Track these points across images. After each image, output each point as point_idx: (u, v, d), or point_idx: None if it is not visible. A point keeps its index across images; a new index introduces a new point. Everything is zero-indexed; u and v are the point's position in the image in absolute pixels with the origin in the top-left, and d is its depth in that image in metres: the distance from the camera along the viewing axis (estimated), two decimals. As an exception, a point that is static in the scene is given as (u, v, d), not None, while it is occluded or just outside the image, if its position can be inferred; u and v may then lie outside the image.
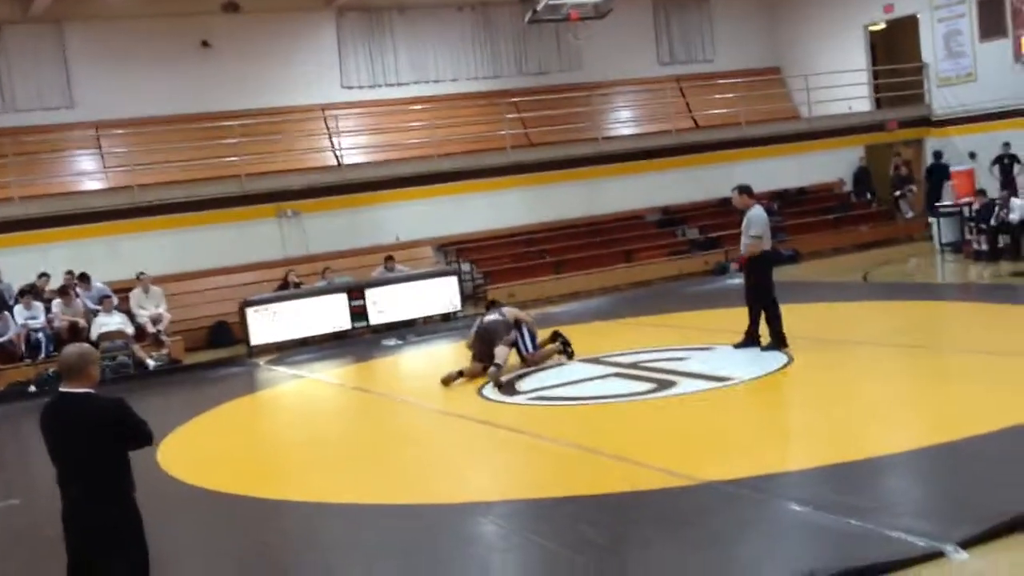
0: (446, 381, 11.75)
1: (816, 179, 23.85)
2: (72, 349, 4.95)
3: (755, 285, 11.34)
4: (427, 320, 17.82)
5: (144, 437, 4.90)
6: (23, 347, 15.84)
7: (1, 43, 19.61)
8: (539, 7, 20.67)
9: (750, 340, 11.49)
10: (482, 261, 20.41)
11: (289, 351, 16.43)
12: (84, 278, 16.92)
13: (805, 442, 8.34)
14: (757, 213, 11.36)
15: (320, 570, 6.58)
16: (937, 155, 22.28)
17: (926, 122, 23.64)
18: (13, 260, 17.08)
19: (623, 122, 24.53)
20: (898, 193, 22.97)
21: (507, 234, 21.05)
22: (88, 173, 19.98)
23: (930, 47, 23.31)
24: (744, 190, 11.61)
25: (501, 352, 11.68)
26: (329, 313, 17.13)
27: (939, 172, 21.95)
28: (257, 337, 16.62)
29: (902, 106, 24.13)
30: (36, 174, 18.87)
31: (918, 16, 23.43)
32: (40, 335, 15.90)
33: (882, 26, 24.62)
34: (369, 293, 17.39)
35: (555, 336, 12.50)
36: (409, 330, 17.24)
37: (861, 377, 10.20)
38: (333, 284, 17.77)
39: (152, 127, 19.99)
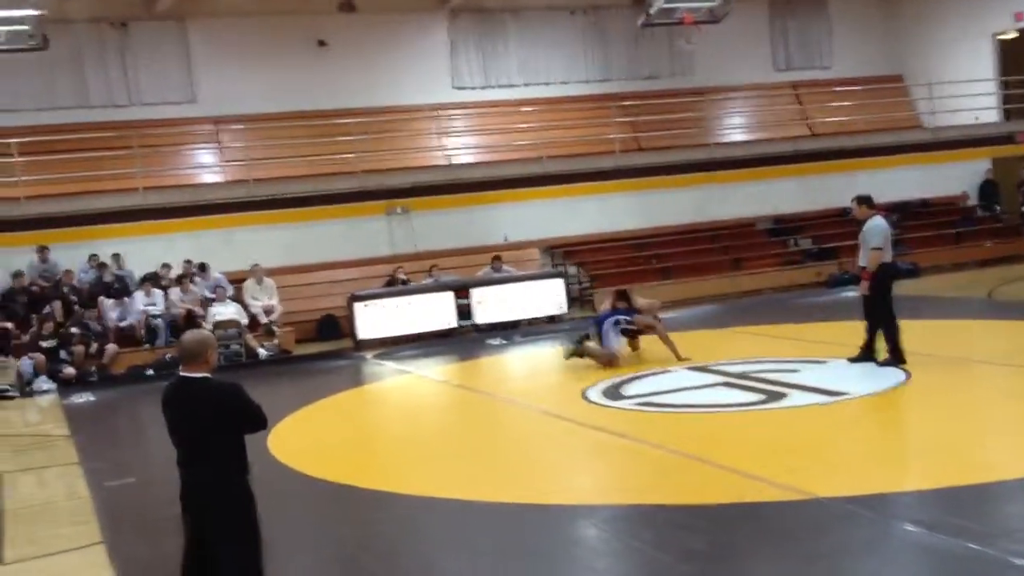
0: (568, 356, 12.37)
1: (939, 191, 23.08)
2: (192, 335, 5.08)
3: (874, 298, 10.99)
4: (532, 321, 17.80)
5: (260, 421, 5.00)
6: (143, 332, 16.36)
7: (127, 39, 20.28)
8: (652, 11, 20.53)
9: (866, 354, 11.14)
10: (589, 264, 20.31)
11: (395, 346, 16.59)
12: (203, 267, 17.41)
13: (921, 462, 8.04)
14: (877, 223, 11.02)
15: (423, 564, 6.60)
16: None
17: (1057, 134, 22.71)
18: (135, 248, 17.67)
19: (736, 128, 24.16)
20: (1026, 208, 22.10)
21: (615, 238, 20.91)
22: (207, 166, 20.56)
23: (1063, 57, 22.39)
24: (864, 200, 11.27)
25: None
26: (435, 311, 17.25)
27: None
28: (364, 331, 16.84)
29: (1032, 118, 23.23)
30: (158, 166, 19.47)
31: (1051, 25, 22.52)
32: (159, 321, 16.41)
33: (1013, 35, 23.70)
34: (475, 292, 17.46)
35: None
36: (514, 331, 17.25)
37: (982, 398, 9.82)
38: (440, 282, 17.89)
39: (268, 123, 20.44)
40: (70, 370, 15.26)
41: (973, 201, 23.32)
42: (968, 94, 22.77)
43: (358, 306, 16.93)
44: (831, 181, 21.36)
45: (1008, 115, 23.99)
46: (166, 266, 17.49)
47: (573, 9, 23.12)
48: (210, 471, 4.89)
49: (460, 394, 13.13)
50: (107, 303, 16.50)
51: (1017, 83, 23.64)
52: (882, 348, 11.04)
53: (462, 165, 20.88)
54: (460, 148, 21.43)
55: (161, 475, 8.20)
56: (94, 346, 15.74)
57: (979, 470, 7.34)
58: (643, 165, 21.19)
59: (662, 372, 12.00)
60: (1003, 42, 23.98)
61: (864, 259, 11.05)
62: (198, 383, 4.92)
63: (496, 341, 16.39)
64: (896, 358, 10.87)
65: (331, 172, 19.54)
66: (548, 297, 17.89)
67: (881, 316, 10.97)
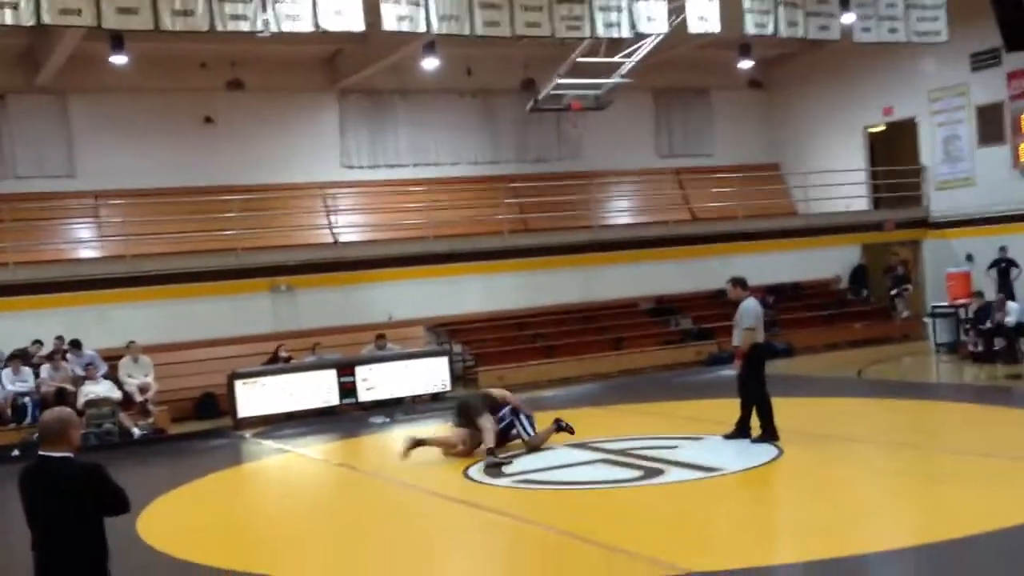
0: (406, 452, 11.66)
1: (812, 275, 23.93)
2: (52, 413, 4.93)
3: (747, 377, 11.29)
4: (416, 399, 17.70)
5: (120, 504, 4.83)
6: (9, 411, 15.70)
7: (5, 111, 19.81)
8: (540, 96, 21.03)
9: (741, 431, 11.39)
10: (473, 343, 20.34)
11: (275, 424, 16.26)
12: (76, 344, 16.85)
13: (793, 536, 8.20)
14: (750, 305, 11.38)
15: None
16: (1002, 249, 21.04)
17: (924, 223, 23.82)
18: (4, 324, 17.00)
19: (620, 211, 24.71)
20: (894, 292, 23.03)
21: (500, 317, 21.02)
22: (84, 241, 20.03)
23: (929, 150, 23.61)
24: (738, 282, 11.64)
25: (488, 432, 11.55)
26: (318, 388, 17.02)
27: (1005, 265, 20.89)
28: (244, 409, 16.49)
29: (900, 207, 24.34)
30: (32, 240, 18.88)
31: (917, 120, 23.77)
32: (27, 400, 15.78)
33: (882, 128, 24.97)
34: (359, 370, 17.30)
35: (556, 423, 12.30)
36: (398, 408, 17.11)
37: (852, 473, 10.08)
38: (324, 359, 17.69)
39: (151, 198, 20.10)
40: (-70, 451, 14.52)
41: (844, 285, 24.21)
42: (840, 183, 23.80)
43: (238, 384, 16.60)
44: (711, 264, 21.92)
45: (877, 204, 25.13)
46: (37, 343, 16.88)
47: (463, 92, 23.48)
48: (66, 556, 4.69)
49: (340, 473, 12.90)
50: (-28, 381, 15.81)
51: (885, 174, 24.83)
52: (756, 425, 11.29)
53: (348, 243, 20.82)
54: (347, 226, 21.38)
55: (17, 560, 7.83)
56: (-44, 426, 15.04)
57: (849, 543, 7.51)
58: (530, 246, 21.42)
59: (544, 449, 11.99)
60: (873, 134, 25.23)
61: (738, 339, 11.36)
62: (57, 464, 4.74)
63: (379, 419, 16.22)
64: (769, 435, 11.15)
65: (214, 248, 19.23)
66: (432, 375, 17.84)
67: (754, 394, 11.27)
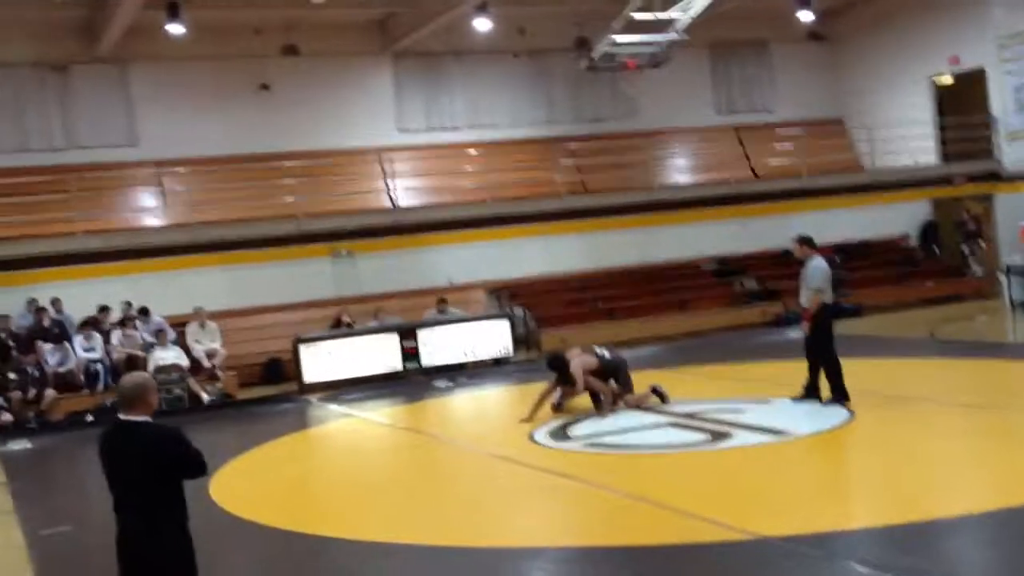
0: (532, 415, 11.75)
1: (881, 232, 23.44)
2: (130, 378, 4.97)
3: (815, 338, 11.06)
4: (478, 364, 17.71)
5: (199, 467, 4.87)
6: (82, 377, 16.01)
7: (68, 81, 20.06)
8: (595, 55, 20.73)
9: (809, 393, 11.21)
10: (534, 306, 20.27)
11: (340, 389, 16.41)
12: (144, 311, 17.12)
13: (866, 501, 8.07)
14: (818, 264, 11.13)
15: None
16: None
17: (995, 177, 23.17)
18: (74, 292, 17.31)
19: (680, 170, 24.41)
20: (966, 248, 22.46)
21: (560, 280, 20.93)
22: (148, 209, 20.29)
23: (999, 100, 22.93)
24: (805, 241, 11.38)
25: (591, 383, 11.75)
26: (381, 353, 17.12)
27: None
28: (309, 374, 16.65)
29: (970, 160, 23.69)
30: (98, 209, 19.17)
31: (986, 69, 23.08)
32: (99, 366, 16.09)
33: (949, 80, 24.30)
34: (421, 334, 17.36)
35: (653, 388, 12.26)
36: (460, 373, 17.15)
37: (925, 436, 9.88)
38: (385, 324, 17.76)
39: (211, 166, 20.28)
40: (7, 416, 14.90)
41: (914, 242, 23.70)
42: (907, 136, 23.23)
43: (303, 349, 16.75)
44: (774, 222, 21.58)
45: (946, 157, 24.47)
46: (104, 309, 17.15)
47: (517, 52, 23.28)
48: (147, 517, 4.74)
49: (406, 437, 12.98)
50: (46, 348, 16.13)
51: (954, 126, 24.19)
52: (825, 387, 11.10)
53: (407, 208, 20.83)
54: (405, 191, 21.39)
55: (97, 522, 7.97)
56: (32, 392, 15.37)
57: (924, 508, 7.38)
58: (588, 207, 21.28)
59: (607, 414, 11.93)
60: (940, 86, 24.56)
61: (805, 299, 11.12)
62: (137, 428, 4.79)
63: (442, 383, 16.27)
64: (839, 397, 10.95)
65: (274, 215, 19.37)
66: (494, 339, 17.84)
67: (823, 356, 11.05)
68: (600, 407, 11.81)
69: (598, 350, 12.26)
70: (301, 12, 20.17)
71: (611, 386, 11.95)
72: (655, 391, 12.17)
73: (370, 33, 22.01)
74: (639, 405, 12.04)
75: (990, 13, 22.13)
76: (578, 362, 11.90)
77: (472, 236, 20.15)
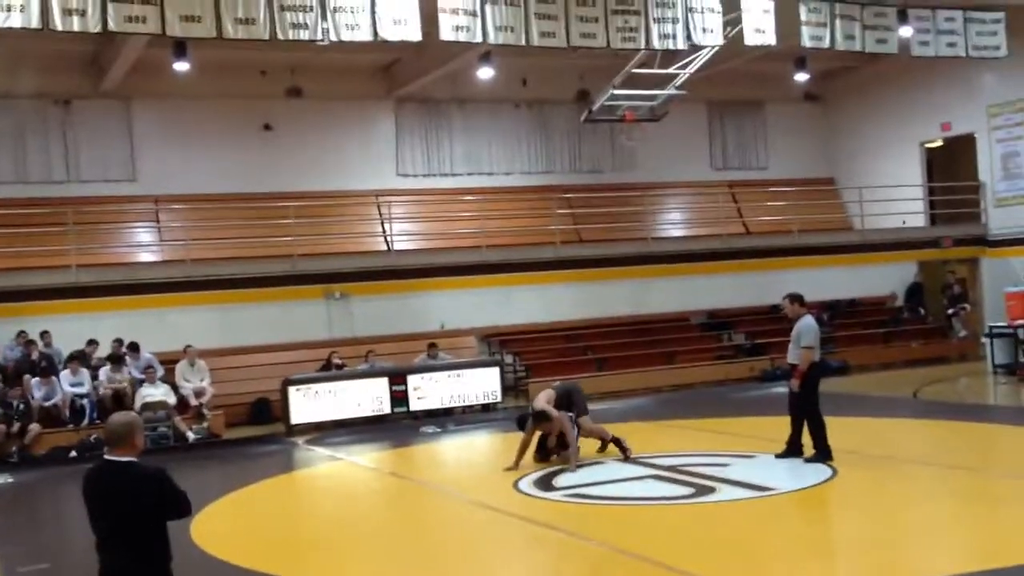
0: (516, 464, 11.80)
1: (868, 292, 23.65)
2: (119, 417, 5.01)
3: (801, 395, 11.17)
4: (467, 409, 17.76)
5: (184, 508, 4.91)
6: (67, 412, 15.98)
7: (70, 116, 20.24)
8: (595, 107, 21.01)
9: (792, 450, 11.29)
10: (525, 354, 20.37)
11: (328, 431, 16.42)
12: (134, 347, 17.13)
13: (847, 559, 8.11)
14: (810, 322, 11.21)
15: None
16: None
17: (982, 241, 23.45)
18: (64, 326, 17.31)
19: (673, 224, 24.63)
20: (951, 311, 22.68)
21: (551, 328, 21.03)
22: (144, 245, 20.39)
23: (988, 166, 23.25)
24: (796, 299, 11.47)
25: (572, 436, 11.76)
26: (370, 396, 17.17)
27: None
28: (297, 416, 16.67)
29: (958, 223, 23.97)
30: (94, 243, 19.23)
31: (975, 136, 23.42)
32: (85, 401, 16.06)
33: (939, 143, 24.63)
34: (411, 379, 17.41)
35: (615, 441, 12.30)
36: (448, 418, 17.18)
37: (906, 496, 9.94)
38: (376, 368, 17.82)
39: (210, 204, 20.39)
40: (-10, 450, 14.83)
41: (901, 302, 23.88)
42: (897, 199, 23.50)
43: (292, 390, 16.79)
44: (764, 278, 21.77)
45: (934, 220, 24.77)
46: (92, 343, 17.13)
47: (518, 103, 23.58)
48: (130, 558, 4.77)
49: (391, 482, 12.97)
50: (32, 381, 16.11)
51: (943, 190, 24.49)
52: (809, 444, 11.18)
53: (402, 251, 20.96)
54: (402, 235, 21.53)
55: (76, 560, 7.99)
56: (16, 426, 15.33)
57: (904, 568, 7.42)
58: (582, 257, 21.44)
59: (593, 463, 11.98)
60: (930, 150, 24.89)
61: (794, 356, 11.24)
62: (122, 468, 4.82)
63: (430, 429, 16.30)
64: (823, 454, 11.02)
65: (270, 255, 19.48)
66: (483, 385, 17.91)
67: (808, 413, 11.15)
68: (567, 458, 11.76)
69: (554, 383, 12.50)
70: (307, 55, 20.39)
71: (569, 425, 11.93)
72: (617, 443, 12.18)
73: (374, 78, 22.28)
74: (600, 438, 12.20)
75: (981, 80, 22.52)
76: (542, 397, 12.07)
77: (466, 283, 20.27)
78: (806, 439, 11.19)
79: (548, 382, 18.20)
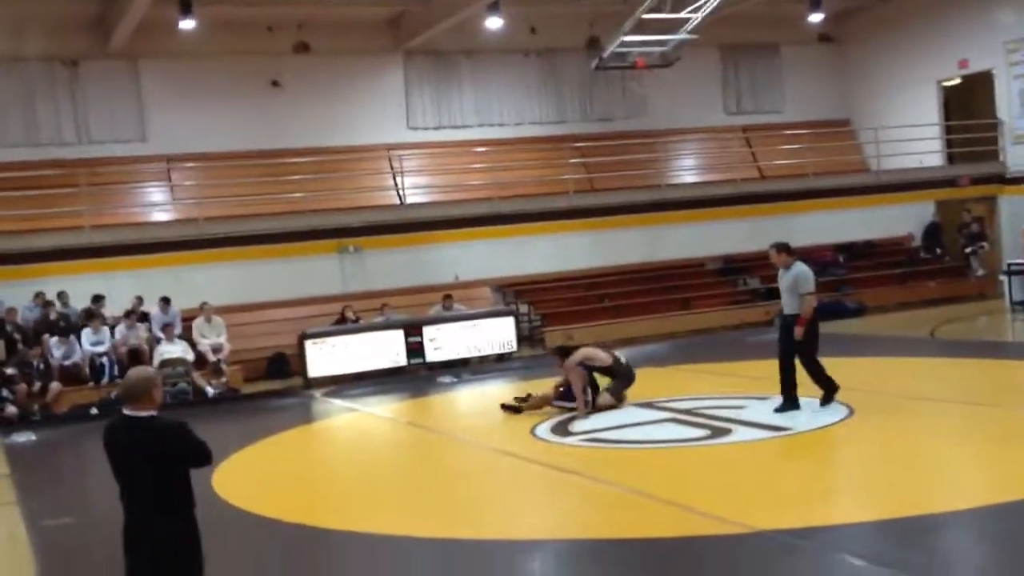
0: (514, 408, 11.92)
1: (885, 233, 23.46)
2: (135, 372, 5.00)
3: (802, 342, 10.61)
4: (482, 359, 17.79)
5: (204, 457, 4.92)
6: (87, 370, 16.12)
7: (78, 77, 20.19)
8: (605, 54, 20.78)
9: (791, 403, 10.77)
10: (540, 303, 20.36)
11: (345, 384, 16.49)
12: (166, 300, 17.09)
13: (862, 495, 8.11)
14: (804, 270, 10.72)
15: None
16: None
17: (1000, 179, 23.19)
18: (81, 286, 17.38)
19: (687, 170, 24.46)
20: (969, 250, 22.51)
21: (566, 277, 20.99)
22: (157, 204, 20.42)
23: (1006, 103, 22.93)
24: (783, 248, 10.91)
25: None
26: (386, 349, 17.20)
27: None
28: (314, 369, 16.75)
29: (975, 162, 23.70)
30: (107, 204, 19.29)
31: (993, 72, 23.07)
32: (104, 359, 16.18)
33: (956, 81, 24.29)
34: (426, 330, 17.44)
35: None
36: (464, 368, 17.23)
37: (923, 433, 9.94)
38: (391, 320, 17.86)
39: (221, 162, 20.38)
40: (12, 409, 14.97)
41: (917, 243, 23.72)
42: (913, 138, 23.24)
43: (309, 344, 16.84)
44: (779, 222, 21.56)
45: (951, 159, 24.49)
46: (99, 298, 16.92)
47: (527, 51, 23.37)
48: (155, 505, 4.80)
49: (409, 431, 13.05)
50: (51, 341, 16.24)
51: (960, 128, 24.19)
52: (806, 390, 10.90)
53: (415, 205, 20.92)
54: (414, 188, 21.47)
55: (100, 515, 8.08)
56: (37, 385, 15.48)
57: (919, 503, 7.42)
58: (595, 205, 21.34)
59: (609, 409, 12.00)
60: (947, 88, 24.55)
61: (792, 306, 10.70)
62: (142, 422, 4.83)
63: (446, 379, 16.35)
64: (832, 390, 10.78)
65: (283, 211, 19.48)
66: (498, 336, 17.92)
67: (807, 360, 10.73)
68: (579, 405, 11.71)
69: (616, 352, 12.34)
70: (313, 10, 20.27)
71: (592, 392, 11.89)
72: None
73: (382, 31, 22.11)
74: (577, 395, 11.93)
75: (999, 16, 22.13)
76: (581, 352, 11.95)
77: (479, 233, 20.23)
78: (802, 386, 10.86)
79: (563, 330, 18.45)
